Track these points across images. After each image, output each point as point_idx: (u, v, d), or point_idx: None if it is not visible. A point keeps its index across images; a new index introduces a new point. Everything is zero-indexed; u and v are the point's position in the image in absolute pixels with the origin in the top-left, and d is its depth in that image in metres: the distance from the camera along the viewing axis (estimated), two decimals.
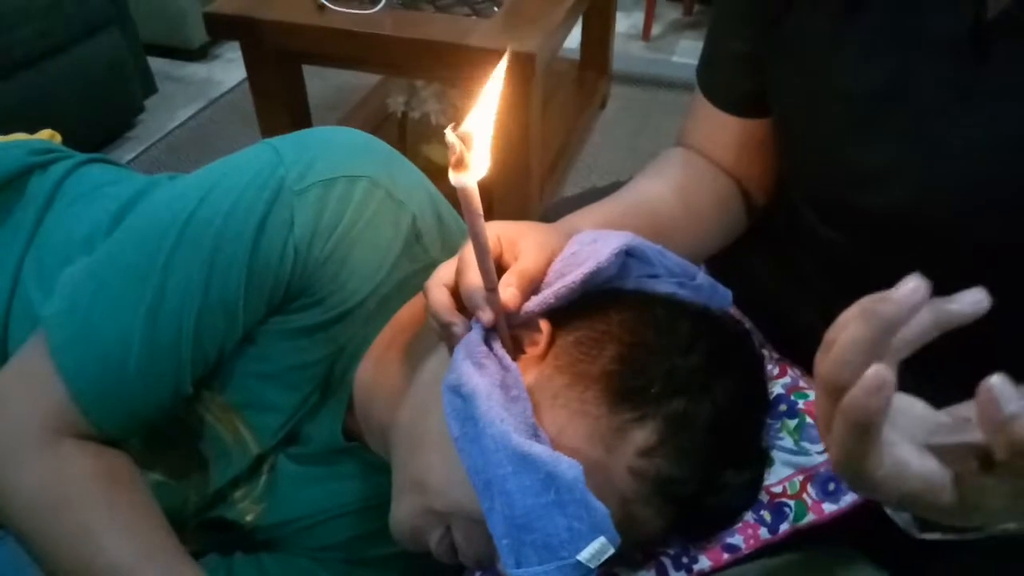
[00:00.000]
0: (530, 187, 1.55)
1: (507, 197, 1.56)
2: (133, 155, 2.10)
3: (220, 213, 0.54)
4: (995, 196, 0.51)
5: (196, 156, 2.11)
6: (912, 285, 0.33)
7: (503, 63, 0.43)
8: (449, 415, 0.49)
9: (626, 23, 2.85)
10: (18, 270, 0.70)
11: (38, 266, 0.70)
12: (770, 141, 0.70)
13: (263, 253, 0.54)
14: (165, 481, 0.63)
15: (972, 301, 0.34)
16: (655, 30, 2.75)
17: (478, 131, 0.44)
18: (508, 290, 0.50)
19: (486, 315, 0.49)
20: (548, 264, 0.54)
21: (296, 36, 1.43)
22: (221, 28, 1.47)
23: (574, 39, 2.11)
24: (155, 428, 0.59)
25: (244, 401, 0.60)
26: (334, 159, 0.57)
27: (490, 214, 1.58)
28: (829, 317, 0.51)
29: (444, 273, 0.53)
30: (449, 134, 0.43)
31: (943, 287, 0.59)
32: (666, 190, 0.69)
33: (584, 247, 0.55)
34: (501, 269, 0.53)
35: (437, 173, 1.65)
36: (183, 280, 0.53)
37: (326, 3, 1.45)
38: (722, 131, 0.71)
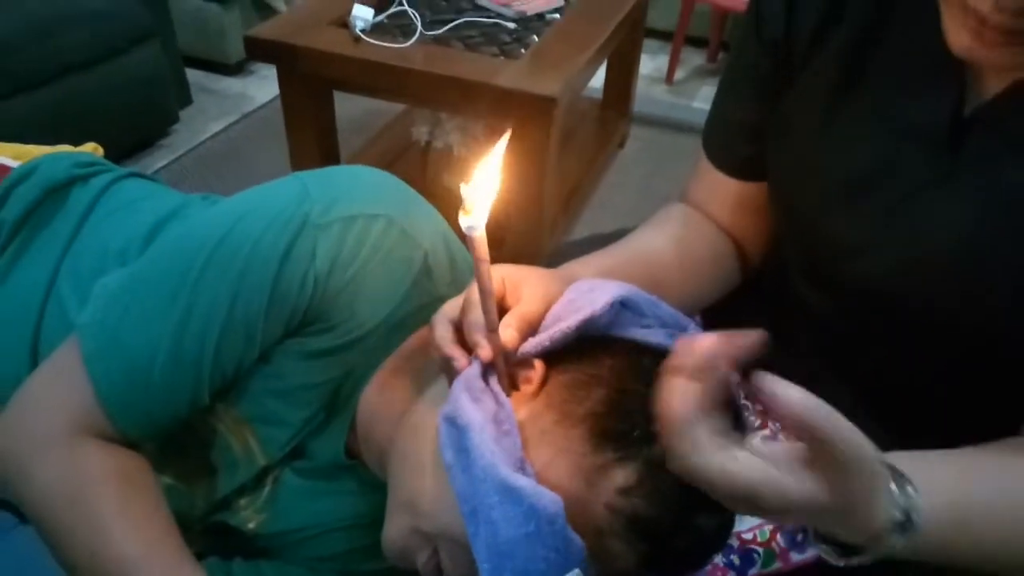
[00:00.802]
0: (543, 223, 1.60)
1: (521, 232, 1.61)
2: (164, 163, 2.17)
3: (249, 240, 0.59)
4: (961, 277, 0.55)
5: (224, 169, 2.18)
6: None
7: (506, 137, 0.48)
8: (444, 443, 0.53)
9: (651, 66, 2.91)
10: (55, 273, 0.75)
11: (73, 271, 0.75)
12: (766, 204, 0.74)
13: (285, 281, 0.58)
14: (175, 484, 0.67)
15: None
16: (679, 74, 2.81)
17: (486, 188, 0.48)
18: (507, 331, 0.54)
19: (485, 352, 0.53)
20: (547, 309, 0.58)
21: (331, 64, 1.50)
22: (260, 51, 1.54)
23: (598, 79, 2.17)
24: (171, 434, 0.63)
25: (255, 415, 0.64)
26: (356, 197, 0.62)
27: (504, 246, 1.63)
28: (813, 373, 0.55)
29: (450, 309, 0.57)
30: (463, 188, 0.47)
31: (915, 354, 0.63)
32: (664, 243, 0.73)
33: (581, 295, 0.59)
34: (504, 310, 0.58)
35: (456, 201, 1.72)
36: (210, 300, 0.58)
37: (362, 35, 1.52)
38: (722, 191, 0.76)
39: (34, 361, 0.71)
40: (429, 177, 1.88)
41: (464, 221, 0.47)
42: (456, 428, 0.53)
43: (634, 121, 2.41)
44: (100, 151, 0.98)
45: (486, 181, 0.48)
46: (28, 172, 0.83)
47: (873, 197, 0.59)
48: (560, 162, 1.97)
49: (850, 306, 0.64)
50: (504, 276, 0.59)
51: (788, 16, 0.63)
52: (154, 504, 0.60)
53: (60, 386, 0.59)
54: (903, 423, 0.57)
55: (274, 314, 0.59)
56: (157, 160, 2.19)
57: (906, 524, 0.43)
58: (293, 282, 0.59)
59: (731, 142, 0.73)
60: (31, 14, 1.79)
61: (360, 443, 0.66)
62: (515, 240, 1.63)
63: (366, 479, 0.67)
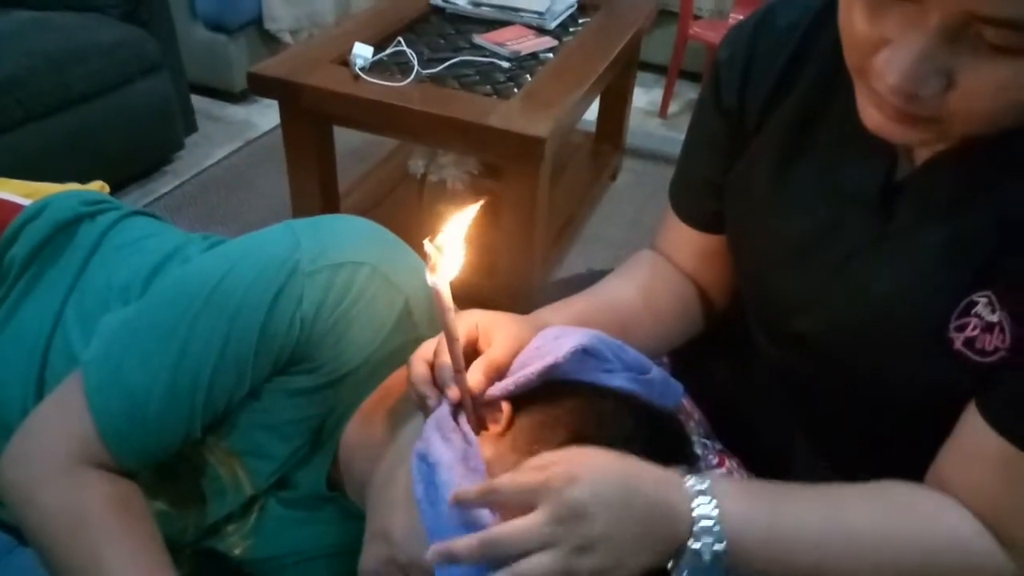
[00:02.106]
0: (534, 257, 1.65)
1: (512, 265, 1.66)
2: (168, 189, 2.23)
3: (242, 286, 0.63)
4: (885, 335, 0.60)
5: (226, 195, 2.24)
6: None
7: (477, 206, 0.53)
8: (415, 478, 0.57)
9: (645, 99, 2.98)
10: (62, 308, 0.80)
11: (79, 307, 0.79)
12: (728, 255, 0.79)
13: (274, 323, 0.63)
14: (167, 510, 0.71)
15: None
16: (672, 108, 2.88)
17: (450, 245, 0.53)
18: (475, 375, 0.59)
19: (452, 393, 0.58)
20: (515, 354, 0.63)
21: (331, 101, 1.56)
22: (263, 87, 1.61)
23: (592, 112, 2.24)
24: (164, 464, 0.67)
25: (244, 448, 0.68)
26: (343, 247, 0.67)
27: (495, 278, 1.68)
28: (771, 413, 0.60)
29: (426, 350, 0.62)
30: (427, 244, 0.53)
31: (858, 403, 0.67)
32: (632, 291, 0.78)
33: (548, 342, 0.64)
34: (476, 354, 0.63)
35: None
36: (204, 341, 0.63)
37: (361, 73, 1.58)
38: (686, 241, 0.80)
39: (40, 391, 0.76)
40: (424, 208, 1.93)
41: (429, 278, 0.53)
42: (427, 464, 0.57)
43: (627, 153, 2.47)
44: (107, 189, 1.03)
45: (451, 244, 0.53)
46: (39, 210, 0.88)
47: (816, 258, 0.63)
48: (552, 194, 2.03)
49: (798, 357, 0.69)
50: (477, 322, 0.65)
51: (743, 86, 0.68)
52: (148, 532, 0.65)
53: (63, 418, 0.64)
54: (855, 468, 0.61)
55: (263, 354, 0.64)
56: (161, 186, 2.25)
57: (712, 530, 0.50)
58: (281, 325, 0.63)
59: (694, 197, 0.78)
60: (46, 48, 1.86)
61: (342, 475, 0.70)
62: (506, 273, 1.68)
63: (347, 509, 0.71)
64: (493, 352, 0.61)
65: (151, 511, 0.68)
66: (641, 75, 3.03)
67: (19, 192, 0.92)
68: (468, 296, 1.92)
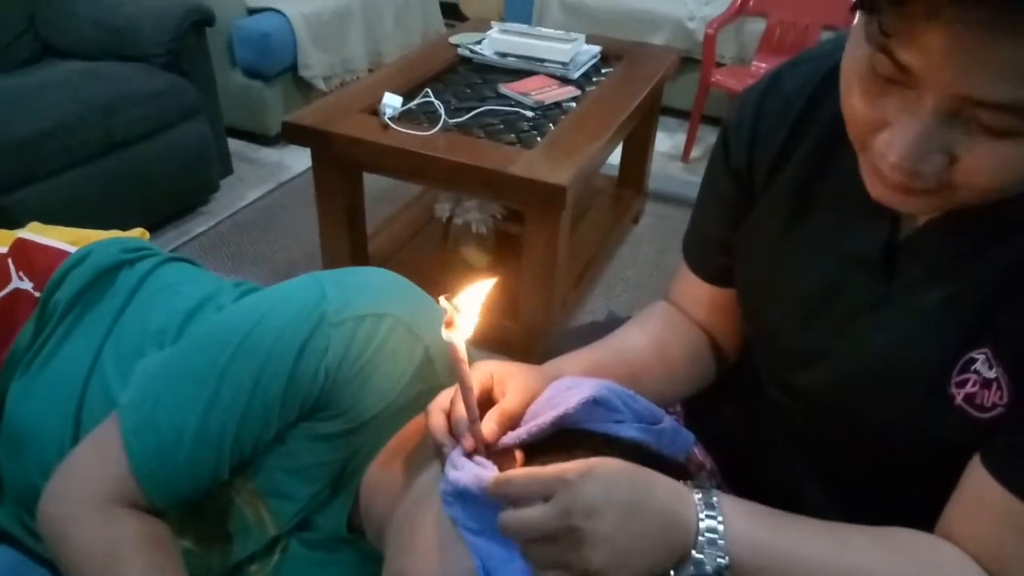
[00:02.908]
0: (554, 301, 1.67)
1: (533, 307, 1.69)
2: (203, 229, 2.31)
3: (270, 336, 0.67)
4: (892, 388, 0.61)
5: (258, 235, 2.31)
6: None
7: (491, 282, 0.57)
8: (454, 516, 0.59)
9: (668, 143, 3.02)
10: (100, 350, 0.85)
11: (116, 350, 0.84)
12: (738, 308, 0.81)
13: (300, 373, 0.67)
14: (194, 549, 0.74)
15: None
16: (695, 152, 2.91)
17: (468, 306, 0.57)
18: (489, 424, 0.62)
19: (468, 443, 0.61)
20: (528, 404, 0.65)
21: (361, 149, 1.62)
22: (296, 135, 1.67)
23: (615, 156, 2.28)
24: (192, 503, 0.70)
25: (269, 490, 0.71)
26: (367, 298, 0.71)
27: (517, 319, 1.71)
28: (780, 462, 0.62)
29: (443, 400, 0.65)
30: (443, 301, 0.56)
31: (866, 454, 0.69)
32: (645, 342, 0.81)
33: (559, 393, 0.66)
34: (491, 403, 0.65)
35: (473, 273, 1.87)
36: (234, 388, 0.66)
37: (390, 122, 1.64)
38: (698, 294, 0.82)
39: (76, 430, 0.80)
40: (449, 250, 1.98)
41: (445, 334, 0.56)
42: (456, 495, 0.59)
43: (650, 197, 2.50)
44: (147, 236, 1.09)
45: (467, 303, 0.56)
46: (83, 257, 0.93)
47: (821, 316, 0.65)
48: (575, 237, 2.07)
49: (805, 409, 0.71)
50: (493, 372, 0.68)
51: (750, 148, 0.71)
52: (176, 570, 0.68)
53: (100, 458, 0.68)
54: (865, 517, 0.63)
55: (289, 401, 0.67)
56: (197, 226, 2.32)
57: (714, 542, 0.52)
58: (307, 374, 0.67)
59: (705, 252, 0.80)
60: (93, 96, 1.96)
61: (361, 518, 0.73)
62: (527, 314, 1.71)
63: (365, 552, 0.73)
64: (506, 402, 0.64)
65: (178, 549, 0.71)
66: (664, 119, 3.09)
67: (65, 239, 0.98)
68: (491, 337, 1.97)
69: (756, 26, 2.89)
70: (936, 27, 0.41)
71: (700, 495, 0.55)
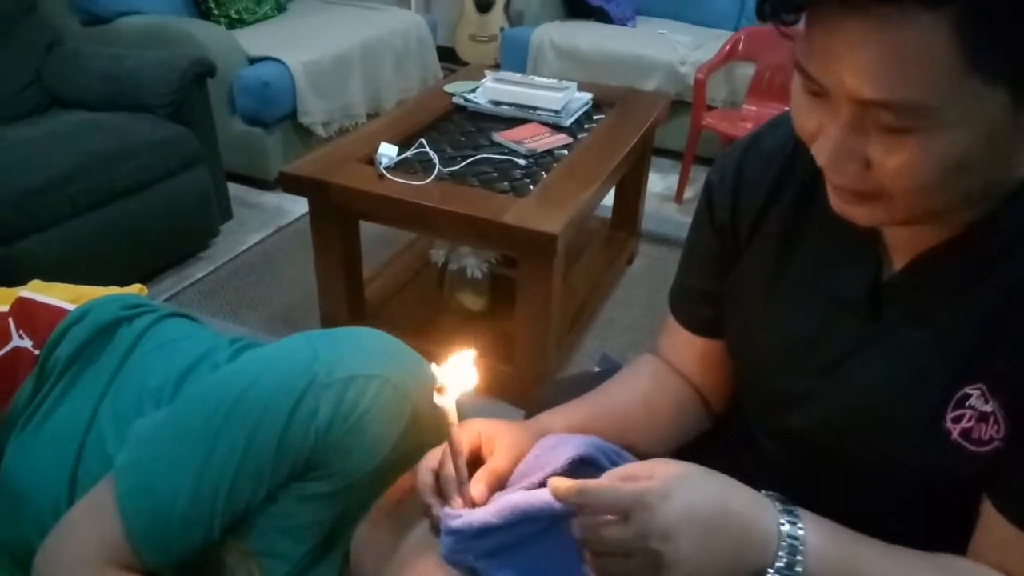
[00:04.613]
0: (548, 345, 1.69)
1: (528, 351, 1.71)
2: (202, 274, 2.34)
3: (262, 399, 0.69)
4: (885, 426, 0.63)
5: (257, 280, 2.34)
6: None
7: (473, 354, 0.59)
8: (456, 554, 0.61)
9: (661, 184, 3.07)
10: (97, 407, 0.86)
11: (113, 407, 0.86)
12: (726, 359, 0.83)
13: (291, 433, 0.69)
14: None
15: None
16: (688, 193, 2.96)
17: (457, 371, 0.59)
18: (478, 486, 0.64)
19: (456, 504, 0.62)
20: (515, 463, 0.67)
21: (357, 198, 1.65)
22: (294, 185, 1.71)
23: (608, 198, 2.32)
24: (185, 564, 0.72)
25: (261, 549, 0.73)
26: (357, 360, 0.73)
27: (512, 363, 1.73)
28: None
29: (432, 459, 0.67)
30: (435, 368, 0.58)
31: (858, 495, 0.70)
32: (632, 396, 0.82)
33: (546, 452, 0.68)
34: (480, 461, 0.67)
35: (469, 317, 1.89)
36: (227, 449, 0.68)
37: (385, 172, 1.68)
38: (685, 346, 0.85)
39: (72, 488, 0.81)
40: (445, 295, 2.00)
41: (437, 399, 0.58)
42: (456, 534, 0.61)
43: (643, 238, 2.54)
44: (145, 291, 1.11)
45: (458, 369, 0.58)
46: (82, 314, 0.95)
47: (809, 358, 0.68)
48: (569, 279, 2.10)
49: (799, 453, 0.72)
50: (480, 431, 0.70)
51: (734, 205, 0.74)
52: None
53: (95, 521, 0.69)
54: None
55: (281, 462, 0.69)
56: (197, 271, 2.35)
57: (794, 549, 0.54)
58: (297, 435, 0.69)
59: (692, 305, 0.83)
60: (96, 146, 2.01)
61: (352, 575, 0.74)
62: (522, 358, 1.72)
63: None
64: (494, 462, 0.66)
65: None
66: (658, 160, 3.14)
67: (65, 297, 1.00)
68: (486, 381, 1.98)
69: (746, 70, 2.96)
70: (818, 30, 0.47)
71: (780, 503, 0.57)
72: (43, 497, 0.81)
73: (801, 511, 0.57)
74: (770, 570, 0.54)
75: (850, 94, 0.47)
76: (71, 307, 0.98)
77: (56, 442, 0.84)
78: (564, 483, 0.55)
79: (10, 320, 0.95)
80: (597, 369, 1.75)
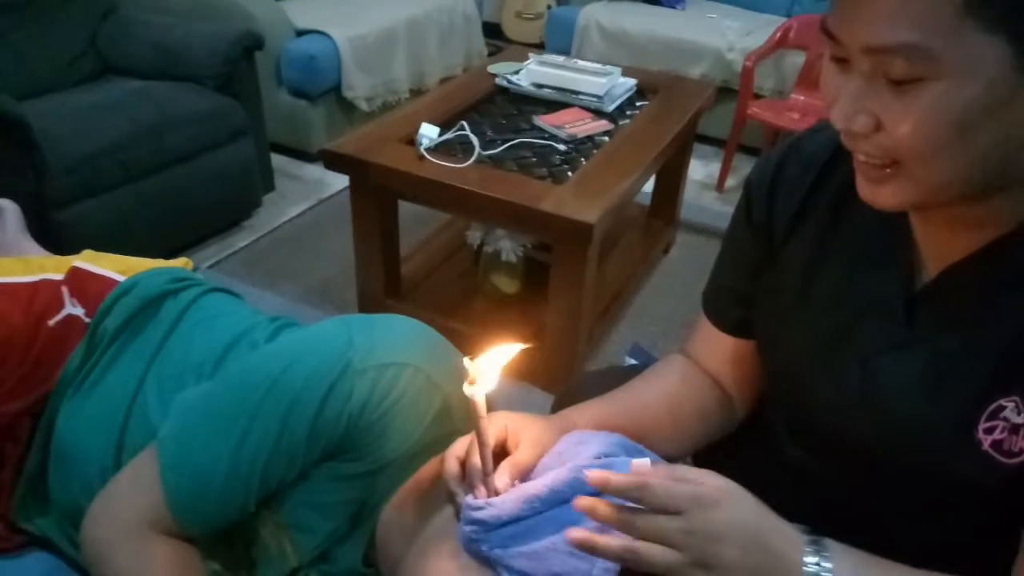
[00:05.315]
0: (579, 335, 1.71)
1: (559, 339, 1.72)
2: (244, 243, 2.39)
3: (299, 381, 0.72)
4: (914, 432, 0.63)
5: (297, 251, 2.38)
6: None
7: (516, 348, 0.60)
8: (482, 544, 0.63)
9: (703, 172, 3.03)
10: (143, 378, 0.90)
11: (157, 379, 0.90)
12: (754, 361, 0.83)
13: (324, 416, 0.71)
14: (221, 573, 0.79)
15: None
16: (729, 182, 2.92)
17: (489, 365, 0.60)
18: (502, 477, 0.65)
19: (480, 493, 0.64)
20: (539, 457, 0.69)
21: (397, 179, 1.67)
22: (336, 163, 1.74)
23: (648, 185, 2.30)
24: (221, 531, 0.75)
25: (292, 522, 0.76)
26: (391, 348, 0.75)
27: (544, 350, 1.74)
28: (790, 514, 0.65)
29: (459, 447, 0.69)
30: (466, 361, 0.60)
31: (881, 497, 0.70)
32: (657, 395, 0.83)
33: (570, 447, 0.70)
34: (505, 453, 0.69)
35: (502, 299, 1.90)
36: (263, 428, 0.71)
37: (425, 153, 1.70)
38: (716, 345, 0.85)
39: (118, 452, 0.86)
40: (480, 276, 2.02)
41: (467, 389, 0.60)
42: (476, 522, 0.63)
43: (682, 227, 2.52)
44: (191, 265, 1.15)
45: (490, 362, 0.60)
46: (131, 286, 0.99)
47: (842, 356, 0.68)
48: (604, 267, 2.10)
49: (823, 456, 0.73)
50: (506, 424, 0.71)
51: (771, 206, 0.74)
52: None
53: (138, 488, 0.73)
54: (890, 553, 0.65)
55: (314, 443, 0.72)
56: (239, 240, 2.41)
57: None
58: (330, 418, 0.71)
59: (725, 304, 0.83)
60: (147, 116, 2.06)
61: (377, 554, 0.77)
62: (553, 345, 1.74)
63: None
64: (519, 455, 0.68)
65: (207, 572, 0.76)
66: (700, 147, 3.10)
67: (115, 268, 1.05)
68: (517, 366, 2.00)
69: (796, 59, 2.89)
70: None
71: (808, 537, 0.57)
72: (91, 461, 0.86)
73: (829, 542, 0.57)
74: None
75: (864, 43, 0.50)
76: (120, 278, 1.02)
77: (104, 409, 0.88)
78: (624, 477, 0.55)
79: (64, 288, 0.99)
80: (631, 362, 1.77)
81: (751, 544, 0.54)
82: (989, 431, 0.59)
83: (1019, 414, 0.57)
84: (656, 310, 2.18)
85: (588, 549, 0.55)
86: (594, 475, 0.55)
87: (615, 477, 0.55)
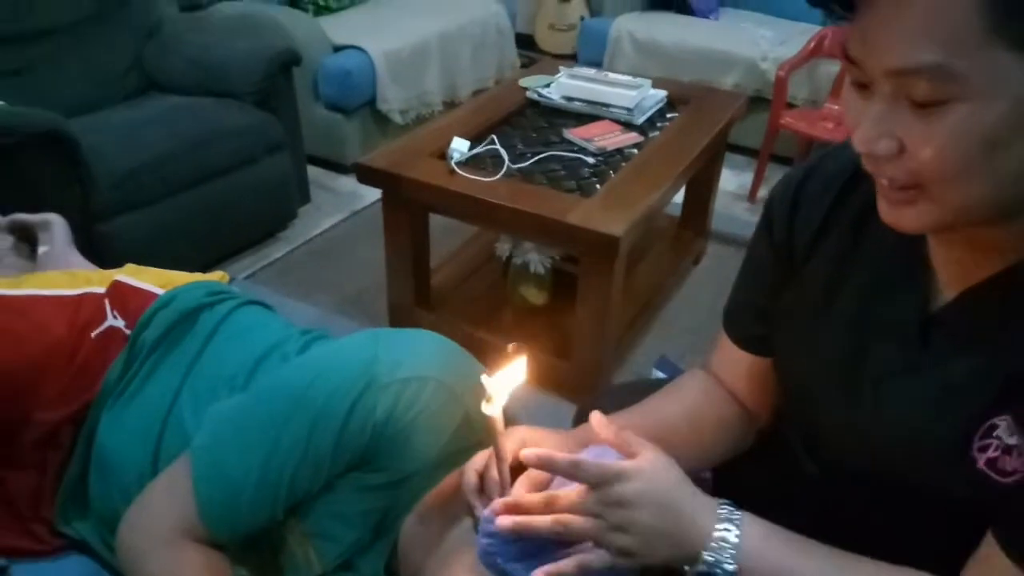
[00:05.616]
0: (605, 346, 1.71)
1: (586, 349, 1.73)
2: (279, 255, 2.45)
3: (325, 394, 0.74)
4: (918, 450, 0.63)
5: (330, 263, 2.43)
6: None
7: (523, 360, 0.62)
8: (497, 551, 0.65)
9: (735, 182, 3.01)
10: (179, 389, 0.94)
11: (193, 390, 0.93)
12: (773, 376, 0.84)
13: (350, 429, 0.74)
14: None
15: None
16: (762, 192, 2.89)
17: (505, 382, 0.62)
18: (519, 491, 0.67)
19: (498, 507, 0.66)
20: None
21: (427, 192, 1.70)
22: (368, 177, 1.77)
23: (678, 196, 2.29)
24: (250, 538, 0.78)
25: (316, 532, 0.78)
26: (415, 362, 0.77)
27: (570, 360, 1.75)
28: (805, 527, 0.66)
29: (479, 461, 0.71)
30: (484, 379, 0.61)
31: (889, 515, 0.70)
32: (677, 410, 0.84)
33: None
34: (523, 467, 0.70)
35: (531, 310, 1.92)
36: (291, 440, 0.74)
37: (456, 168, 1.72)
38: (736, 363, 0.86)
39: (155, 460, 0.89)
40: (508, 288, 2.04)
41: (486, 408, 0.61)
42: (493, 535, 0.65)
43: (713, 237, 2.50)
44: (227, 279, 1.19)
45: (505, 383, 0.62)
46: (170, 299, 1.03)
47: (855, 377, 0.68)
48: (633, 278, 2.10)
49: (834, 473, 0.73)
50: (524, 438, 0.73)
51: (791, 224, 0.75)
52: None
53: (172, 497, 0.76)
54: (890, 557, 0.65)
55: (339, 453, 0.74)
56: (274, 251, 2.47)
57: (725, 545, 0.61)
58: (355, 430, 0.74)
59: (744, 322, 0.84)
60: (188, 131, 2.13)
61: (399, 564, 0.79)
62: (580, 355, 1.75)
63: None
64: (536, 470, 0.69)
65: None
66: (733, 157, 3.08)
67: (155, 282, 1.09)
68: (544, 376, 2.03)
69: (830, 68, 2.86)
70: (860, 11, 0.50)
71: (725, 510, 0.64)
72: (129, 468, 0.89)
73: (745, 519, 0.64)
74: (703, 556, 0.62)
75: (886, 67, 0.49)
76: (160, 291, 1.06)
77: (142, 419, 0.92)
78: (562, 456, 0.64)
79: (106, 301, 1.03)
80: (658, 374, 1.76)
81: (664, 509, 0.62)
82: (983, 449, 0.59)
83: (1011, 435, 0.57)
84: (685, 322, 2.18)
85: (523, 529, 0.63)
86: (531, 455, 0.64)
87: (558, 457, 0.63)
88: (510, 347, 0.63)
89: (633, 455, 0.66)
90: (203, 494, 0.74)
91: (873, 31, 0.49)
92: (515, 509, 0.64)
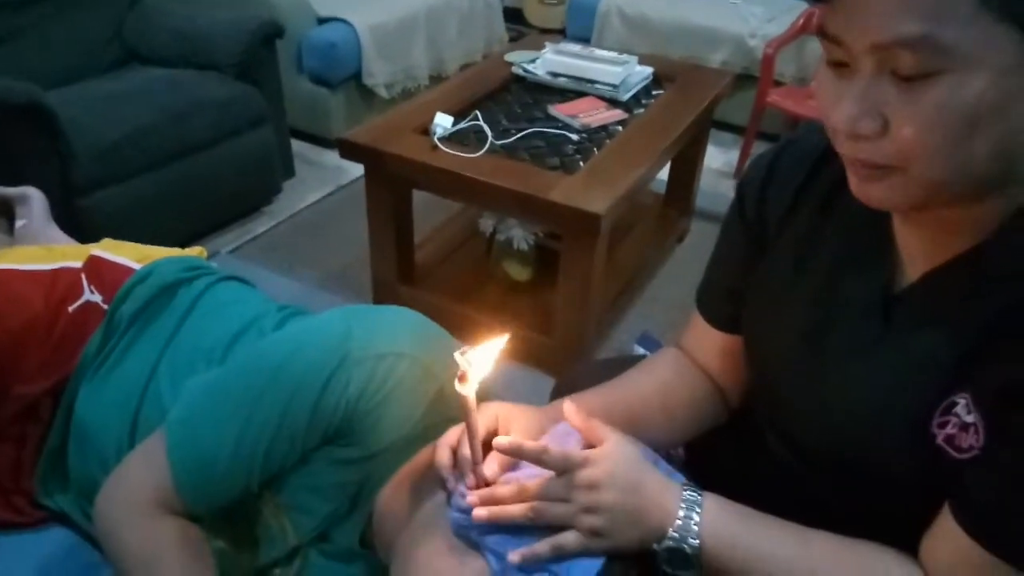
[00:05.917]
0: (588, 323, 1.73)
1: (568, 325, 1.75)
2: (264, 229, 2.44)
3: (299, 369, 0.75)
4: (878, 425, 0.65)
5: (315, 238, 2.43)
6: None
7: (504, 339, 0.64)
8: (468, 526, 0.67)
9: (721, 159, 3.02)
10: (157, 362, 0.95)
11: (170, 365, 0.94)
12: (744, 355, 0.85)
13: (324, 403, 0.74)
14: (226, 549, 0.83)
15: None
16: None
17: (480, 361, 0.63)
18: (491, 465, 0.68)
19: (470, 481, 0.67)
20: None
21: (410, 168, 1.70)
22: (351, 152, 1.77)
23: (663, 172, 2.29)
24: (225, 509, 0.79)
25: (292, 504, 0.80)
26: (389, 338, 0.78)
27: (552, 336, 1.77)
28: (773, 504, 0.68)
29: (451, 436, 0.72)
30: (458, 356, 0.62)
31: (848, 491, 0.72)
32: (649, 387, 0.85)
33: (558, 438, 0.72)
34: None
35: (514, 286, 1.94)
36: (265, 414, 0.74)
37: (439, 143, 1.72)
38: (708, 342, 0.87)
39: (133, 432, 0.90)
40: (492, 264, 2.04)
41: (458, 387, 0.62)
42: (465, 510, 0.67)
43: (697, 215, 2.51)
44: (204, 254, 1.19)
45: (479, 359, 0.62)
46: (147, 274, 1.03)
47: (818, 349, 0.69)
48: (617, 254, 2.11)
49: (798, 449, 0.75)
50: (498, 414, 0.74)
51: (762, 202, 0.75)
52: (209, 570, 0.77)
53: (147, 468, 0.77)
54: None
55: (313, 428, 0.75)
56: (259, 226, 2.45)
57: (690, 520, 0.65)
58: (329, 405, 0.75)
59: (716, 301, 0.85)
60: (166, 104, 2.11)
61: (373, 535, 0.80)
62: (562, 331, 1.76)
63: (375, 566, 0.81)
64: None
65: (213, 548, 0.80)
66: (719, 135, 3.08)
67: (132, 256, 1.09)
68: (525, 351, 2.04)
69: (818, 46, 2.84)
70: None
71: (688, 491, 0.67)
72: (107, 439, 0.90)
73: (707, 500, 0.67)
74: (669, 533, 0.65)
75: (872, 40, 0.49)
76: (137, 266, 1.06)
77: (120, 392, 0.93)
78: (531, 443, 0.67)
79: (83, 276, 1.03)
80: (640, 350, 1.78)
81: (629, 490, 0.65)
82: (942, 426, 0.60)
83: (968, 413, 0.58)
84: (668, 298, 2.19)
85: (498, 518, 0.66)
86: (502, 444, 0.67)
87: (526, 444, 0.66)
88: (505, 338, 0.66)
89: (600, 442, 0.68)
90: (178, 466, 0.75)
91: (856, 4, 0.49)
92: (489, 501, 0.66)
